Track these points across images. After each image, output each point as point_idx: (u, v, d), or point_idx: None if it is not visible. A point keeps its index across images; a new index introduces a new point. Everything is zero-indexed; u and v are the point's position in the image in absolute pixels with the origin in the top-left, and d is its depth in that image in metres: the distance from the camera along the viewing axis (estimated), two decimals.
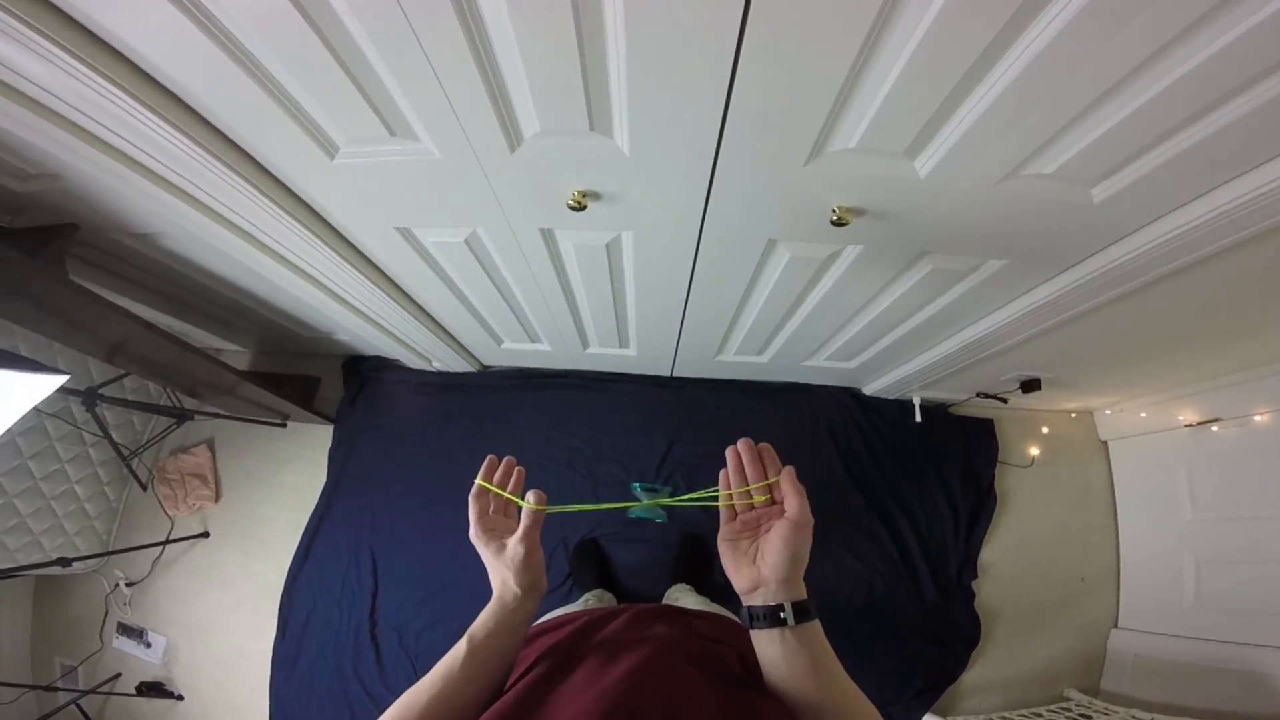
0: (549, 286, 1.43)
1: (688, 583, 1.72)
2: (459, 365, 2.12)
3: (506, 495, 0.65)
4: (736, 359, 1.89)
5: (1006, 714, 1.70)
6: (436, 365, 2.16)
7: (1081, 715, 1.62)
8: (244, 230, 1.17)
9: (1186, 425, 1.78)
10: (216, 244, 1.24)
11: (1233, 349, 1.47)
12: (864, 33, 0.65)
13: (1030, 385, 1.76)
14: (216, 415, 2.13)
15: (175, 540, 2.08)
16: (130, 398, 1.99)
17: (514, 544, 0.59)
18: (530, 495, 0.61)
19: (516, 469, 0.67)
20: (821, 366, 1.90)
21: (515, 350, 1.99)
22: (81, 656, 2.02)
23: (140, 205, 1.18)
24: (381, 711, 0.51)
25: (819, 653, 0.53)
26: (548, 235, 1.20)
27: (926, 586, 1.90)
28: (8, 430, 1.24)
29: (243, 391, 1.84)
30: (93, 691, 1.93)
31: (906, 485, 2.01)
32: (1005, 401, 1.96)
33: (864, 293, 1.34)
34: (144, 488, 2.11)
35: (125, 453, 1.99)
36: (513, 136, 0.88)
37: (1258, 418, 1.59)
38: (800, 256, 1.18)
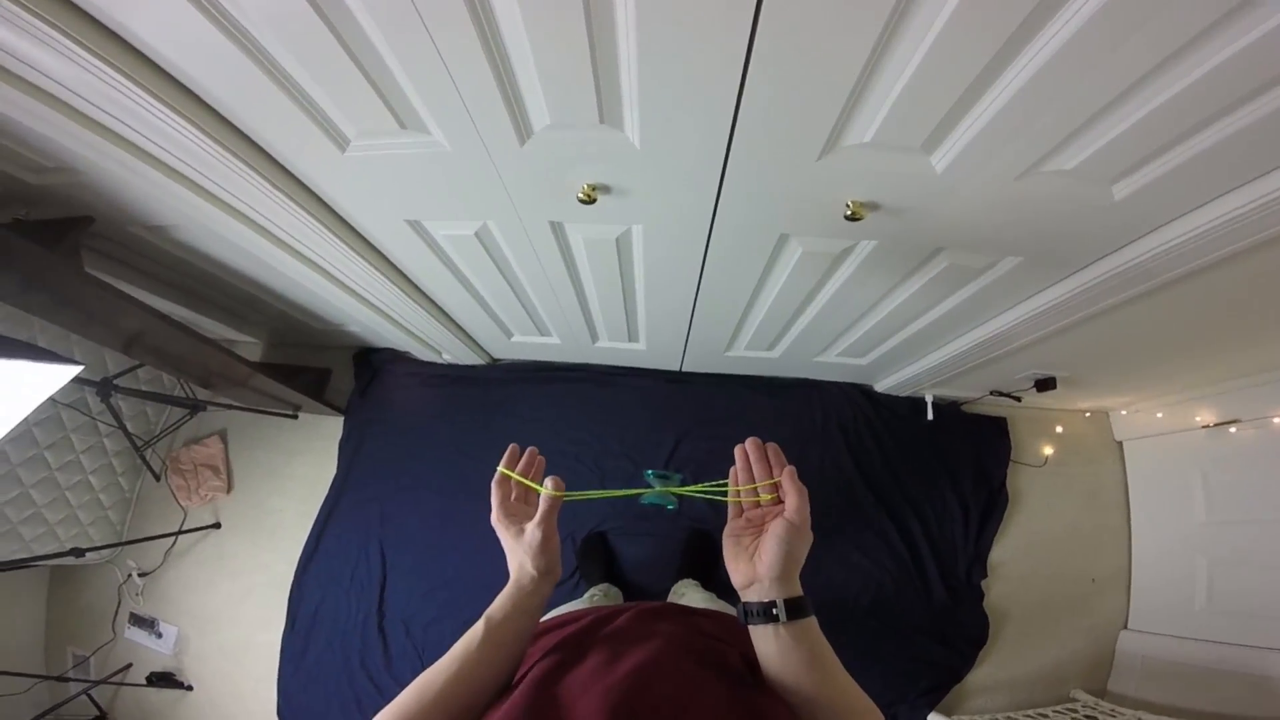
0: (559, 280, 1.43)
1: (694, 578, 1.72)
2: (469, 358, 2.13)
3: (527, 482, 0.67)
4: (747, 354, 1.88)
5: (1012, 714, 1.69)
6: (446, 358, 2.17)
7: (1088, 716, 1.61)
8: (256, 223, 1.18)
9: (1204, 426, 1.75)
10: (229, 237, 1.25)
11: (1253, 351, 1.44)
12: (880, 24, 0.64)
13: (1045, 384, 1.74)
14: (229, 406, 2.15)
15: (187, 531, 2.10)
16: (144, 388, 2.01)
17: (532, 528, 0.61)
18: (549, 481, 0.63)
19: (538, 459, 0.70)
20: (833, 363, 1.89)
21: (525, 343, 2.00)
22: (94, 646, 2.05)
23: (154, 198, 1.19)
24: (387, 703, 0.51)
25: (815, 649, 0.54)
26: (558, 228, 1.20)
27: (935, 586, 1.88)
28: (23, 420, 1.26)
29: (255, 383, 1.86)
30: (103, 682, 1.96)
31: (917, 483, 2.00)
32: (1019, 400, 1.94)
33: (877, 289, 1.32)
34: (157, 478, 2.14)
35: (139, 443, 2.01)
36: (523, 129, 0.88)
37: (1277, 420, 1.56)
38: (813, 251, 1.17)
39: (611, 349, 1.96)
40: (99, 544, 1.97)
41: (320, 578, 2.02)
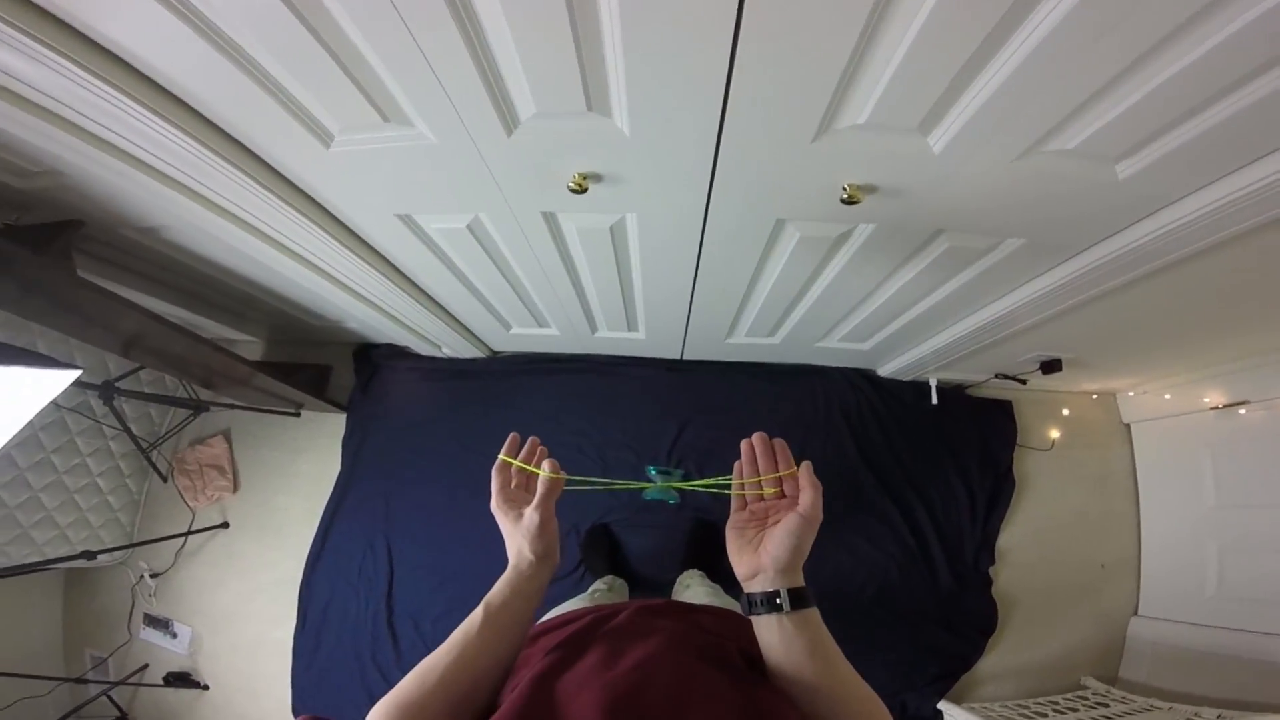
0: (554, 271, 1.41)
1: (699, 569, 1.71)
2: (468, 351, 2.12)
3: (526, 466, 0.68)
4: (747, 341, 1.86)
5: (1022, 702, 1.68)
6: (446, 351, 2.16)
7: (1098, 703, 1.60)
8: (245, 221, 1.16)
9: (1212, 408, 1.72)
10: (220, 236, 1.24)
11: (1263, 331, 1.41)
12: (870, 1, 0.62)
13: (1051, 366, 1.71)
14: (232, 406, 2.16)
15: (196, 531, 2.11)
16: (147, 390, 2.02)
17: (530, 512, 0.62)
18: (546, 464, 0.64)
19: (540, 449, 0.70)
20: (834, 348, 1.87)
21: (524, 335, 1.99)
22: (111, 648, 2.07)
23: (142, 200, 1.18)
24: None
25: (817, 638, 0.55)
26: (551, 219, 1.18)
27: (942, 573, 1.87)
28: (27, 424, 1.26)
29: (257, 382, 1.86)
30: (122, 683, 1.98)
31: (922, 469, 1.98)
32: (1025, 383, 1.92)
33: (877, 273, 1.30)
34: (164, 479, 2.15)
35: (144, 445, 2.02)
36: (509, 119, 0.86)
37: None
38: (810, 236, 1.15)
39: (611, 339, 1.95)
40: (110, 546, 1.99)
41: (329, 574, 2.03)
